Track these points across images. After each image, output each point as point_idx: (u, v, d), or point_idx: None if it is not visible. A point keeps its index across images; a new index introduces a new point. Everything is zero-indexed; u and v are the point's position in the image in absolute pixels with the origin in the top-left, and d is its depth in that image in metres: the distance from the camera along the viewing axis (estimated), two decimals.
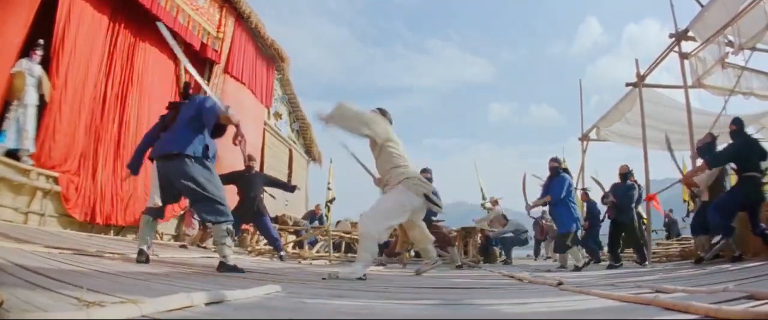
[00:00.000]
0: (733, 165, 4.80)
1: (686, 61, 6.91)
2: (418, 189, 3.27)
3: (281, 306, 1.51)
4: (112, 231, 5.91)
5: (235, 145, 3.11)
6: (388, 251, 6.23)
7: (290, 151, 12.14)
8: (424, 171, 5.90)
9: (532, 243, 10.17)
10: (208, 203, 3.08)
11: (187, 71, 7.44)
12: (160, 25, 3.52)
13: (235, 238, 3.72)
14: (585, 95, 11.01)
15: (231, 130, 3.20)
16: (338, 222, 10.07)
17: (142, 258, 3.06)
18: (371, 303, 1.76)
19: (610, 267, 5.73)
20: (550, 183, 5.81)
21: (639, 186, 6.66)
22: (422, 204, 3.35)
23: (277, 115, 11.35)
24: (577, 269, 5.37)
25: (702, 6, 6.39)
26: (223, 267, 3.00)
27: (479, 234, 8.47)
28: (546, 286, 2.66)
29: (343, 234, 8.37)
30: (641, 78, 7.72)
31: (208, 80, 7.81)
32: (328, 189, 12.15)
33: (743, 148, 4.43)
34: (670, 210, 11.23)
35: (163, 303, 1.19)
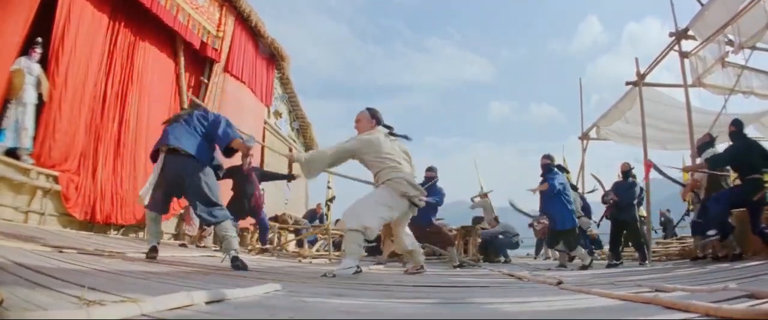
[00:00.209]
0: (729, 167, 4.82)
1: (686, 60, 6.92)
2: (399, 188, 3.26)
3: (281, 305, 1.52)
4: (112, 230, 5.91)
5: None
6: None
7: (290, 149, 12.14)
8: (430, 169, 5.89)
9: (529, 242, 10.17)
10: (209, 206, 3.16)
11: (187, 71, 7.44)
12: None
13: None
14: (585, 94, 11.02)
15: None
16: (338, 221, 10.07)
17: (154, 254, 3.14)
18: (371, 301, 1.77)
19: (609, 265, 5.73)
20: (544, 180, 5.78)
21: (641, 189, 6.65)
22: (405, 204, 3.33)
23: (277, 114, 11.35)
24: (584, 267, 5.35)
25: (702, 5, 6.40)
26: (235, 261, 3.03)
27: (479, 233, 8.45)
28: (546, 285, 2.66)
29: (343, 233, 8.36)
30: (641, 77, 7.73)
31: (208, 79, 7.82)
32: (328, 188, 12.16)
33: (743, 150, 4.43)
34: (668, 210, 11.21)
35: (164, 302, 1.19)
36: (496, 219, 9.38)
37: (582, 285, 2.39)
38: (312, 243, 9.06)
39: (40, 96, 5.10)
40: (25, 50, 5.02)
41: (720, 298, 1.54)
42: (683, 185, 6.22)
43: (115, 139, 6.09)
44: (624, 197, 5.99)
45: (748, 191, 4.29)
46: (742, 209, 4.64)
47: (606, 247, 7.13)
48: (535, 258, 10.44)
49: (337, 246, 8.62)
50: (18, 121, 4.93)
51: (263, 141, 9.89)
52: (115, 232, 5.97)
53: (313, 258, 6.12)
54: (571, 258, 6.70)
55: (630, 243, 6.95)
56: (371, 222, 3.13)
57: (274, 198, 10.45)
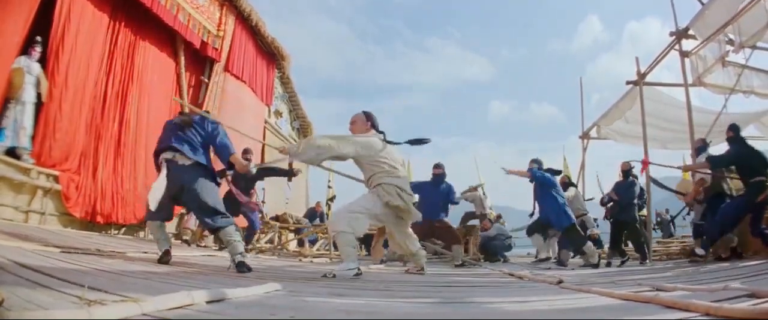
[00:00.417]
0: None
1: (687, 60, 6.91)
2: (384, 197, 3.19)
3: (282, 305, 1.52)
4: (112, 230, 5.92)
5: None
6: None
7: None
8: (437, 166, 5.87)
9: (521, 242, 10.16)
10: (210, 214, 3.15)
11: (187, 70, 7.45)
12: None
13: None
14: (585, 93, 11.01)
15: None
16: None
17: (168, 257, 3.13)
18: (372, 301, 1.77)
19: (608, 264, 5.76)
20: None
21: (642, 188, 6.64)
22: (389, 212, 3.27)
23: (278, 113, 11.35)
24: (590, 266, 5.31)
25: (702, 4, 6.40)
26: (241, 266, 2.99)
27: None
28: (546, 284, 2.66)
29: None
30: (642, 76, 7.72)
31: (209, 78, 7.83)
32: (329, 187, 12.17)
33: (745, 151, 4.43)
34: (666, 210, 11.18)
35: (164, 302, 1.19)
36: (499, 216, 9.38)
37: (582, 285, 2.39)
38: (312, 242, 9.07)
39: (39, 95, 5.10)
40: (25, 49, 5.03)
41: (720, 297, 1.54)
42: (682, 194, 6.21)
43: (115, 139, 6.10)
44: (624, 196, 5.97)
45: (752, 193, 4.29)
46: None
47: (605, 246, 7.12)
48: (535, 257, 10.39)
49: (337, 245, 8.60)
50: (17, 120, 4.94)
51: (264, 140, 9.89)
52: (116, 232, 5.97)
53: (314, 257, 6.11)
54: (575, 255, 6.66)
55: (629, 243, 6.95)
56: (344, 228, 3.07)
57: (274, 198, 10.45)
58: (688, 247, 6.42)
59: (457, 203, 5.94)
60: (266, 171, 6.40)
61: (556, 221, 5.51)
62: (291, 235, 8.45)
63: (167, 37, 7.14)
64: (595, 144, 10.74)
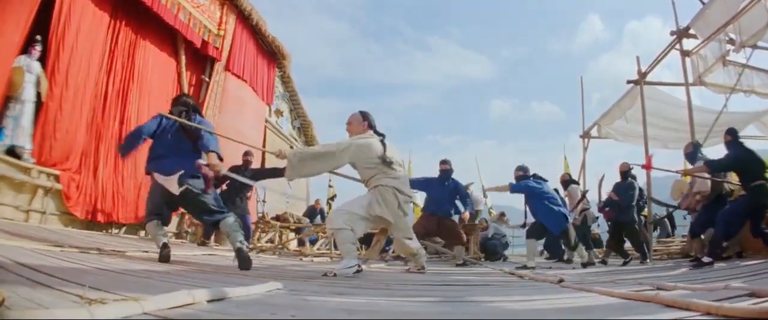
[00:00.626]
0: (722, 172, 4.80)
1: (687, 59, 6.91)
2: (380, 197, 3.20)
3: (283, 303, 1.52)
4: (113, 229, 5.92)
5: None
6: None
7: (291, 148, 12.15)
8: (444, 162, 5.86)
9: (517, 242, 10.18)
10: (207, 211, 3.24)
11: (188, 69, 7.45)
12: None
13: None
14: (586, 92, 11.00)
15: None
16: None
17: (167, 250, 3.15)
18: (373, 300, 1.77)
19: (603, 262, 5.78)
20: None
21: (641, 189, 6.62)
22: (388, 210, 3.24)
23: (279, 112, 11.35)
24: (583, 266, 5.32)
25: (703, 3, 6.39)
26: (240, 253, 3.04)
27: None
28: (547, 283, 2.66)
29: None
30: (642, 75, 7.72)
31: (210, 78, 7.83)
32: (330, 186, 12.18)
33: (744, 155, 4.42)
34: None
35: (165, 301, 1.19)
36: (502, 214, 9.39)
37: (583, 284, 2.39)
38: (313, 242, 9.07)
39: (39, 94, 5.10)
40: (26, 48, 5.03)
41: (721, 297, 1.54)
42: (675, 207, 6.20)
43: (116, 138, 6.09)
44: (623, 198, 5.95)
45: (752, 197, 4.28)
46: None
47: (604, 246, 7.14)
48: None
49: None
50: (16, 119, 4.94)
51: (265, 139, 9.89)
52: (117, 231, 5.98)
53: (315, 256, 6.11)
54: (569, 260, 6.66)
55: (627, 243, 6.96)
56: (342, 225, 3.09)
57: (275, 197, 10.46)
58: (687, 248, 6.42)
59: (466, 197, 5.87)
60: (263, 174, 6.44)
61: (550, 226, 5.42)
62: (291, 234, 8.45)
63: (168, 36, 7.13)
64: (595, 143, 10.74)
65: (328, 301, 1.66)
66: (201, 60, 7.89)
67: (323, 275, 2.86)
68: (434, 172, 5.86)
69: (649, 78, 7.81)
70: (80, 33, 5.48)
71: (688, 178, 5.66)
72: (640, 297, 1.60)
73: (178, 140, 3.29)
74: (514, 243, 9.41)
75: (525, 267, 4.91)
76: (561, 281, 2.54)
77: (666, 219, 10.06)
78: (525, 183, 5.46)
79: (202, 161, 3.23)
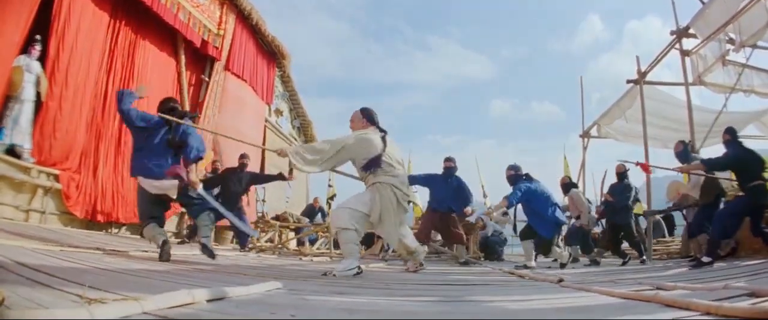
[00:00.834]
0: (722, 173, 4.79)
1: (687, 58, 6.91)
2: (380, 193, 3.19)
3: (282, 303, 1.52)
4: (113, 228, 5.92)
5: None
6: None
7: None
8: (448, 159, 5.85)
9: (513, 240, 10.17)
10: (195, 206, 3.58)
11: (187, 69, 7.45)
12: None
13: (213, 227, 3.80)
14: (586, 92, 11.00)
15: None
16: None
17: (167, 246, 3.23)
18: (373, 299, 1.77)
19: (596, 262, 5.78)
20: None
21: (636, 190, 6.60)
22: (391, 209, 3.23)
23: (278, 112, 11.35)
24: (562, 266, 5.26)
25: (703, 3, 6.39)
26: (205, 248, 3.44)
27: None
28: (547, 283, 2.66)
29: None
30: (642, 75, 7.72)
31: (209, 77, 7.83)
32: (330, 186, 12.17)
33: (743, 154, 4.42)
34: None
35: (165, 300, 1.19)
36: (505, 213, 9.39)
37: (583, 283, 2.39)
38: (312, 241, 9.06)
39: (38, 94, 5.10)
40: (25, 48, 5.02)
41: (721, 296, 1.54)
42: (669, 212, 6.20)
43: (115, 137, 6.10)
44: (619, 199, 5.94)
45: (751, 197, 4.27)
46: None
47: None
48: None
49: (338, 244, 8.60)
50: (16, 118, 4.94)
51: (264, 139, 9.89)
52: (116, 230, 5.98)
53: (314, 256, 6.11)
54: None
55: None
56: (347, 224, 3.09)
57: (275, 197, 10.46)
58: (682, 248, 6.43)
59: (469, 196, 5.84)
60: (260, 179, 6.48)
61: (540, 231, 5.25)
62: (291, 234, 8.44)
63: (168, 36, 7.13)
64: (595, 143, 10.75)
65: (327, 301, 1.66)
66: (201, 59, 7.89)
67: (323, 274, 2.86)
68: (436, 171, 5.87)
69: (648, 78, 7.80)
70: (80, 32, 5.47)
71: (687, 179, 5.66)
72: (639, 297, 1.59)
73: (163, 146, 3.58)
74: (510, 243, 9.38)
75: (525, 266, 4.89)
76: (561, 281, 2.54)
77: (662, 221, 10.08)
78: (516, 196, 5.17)
79: (180, 168, 3.39)
